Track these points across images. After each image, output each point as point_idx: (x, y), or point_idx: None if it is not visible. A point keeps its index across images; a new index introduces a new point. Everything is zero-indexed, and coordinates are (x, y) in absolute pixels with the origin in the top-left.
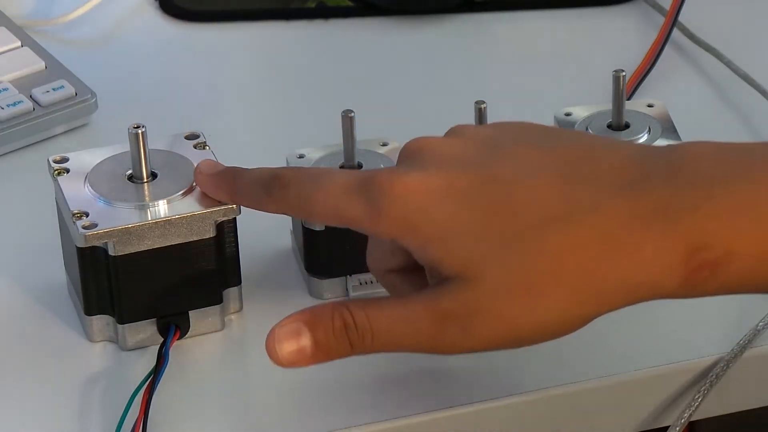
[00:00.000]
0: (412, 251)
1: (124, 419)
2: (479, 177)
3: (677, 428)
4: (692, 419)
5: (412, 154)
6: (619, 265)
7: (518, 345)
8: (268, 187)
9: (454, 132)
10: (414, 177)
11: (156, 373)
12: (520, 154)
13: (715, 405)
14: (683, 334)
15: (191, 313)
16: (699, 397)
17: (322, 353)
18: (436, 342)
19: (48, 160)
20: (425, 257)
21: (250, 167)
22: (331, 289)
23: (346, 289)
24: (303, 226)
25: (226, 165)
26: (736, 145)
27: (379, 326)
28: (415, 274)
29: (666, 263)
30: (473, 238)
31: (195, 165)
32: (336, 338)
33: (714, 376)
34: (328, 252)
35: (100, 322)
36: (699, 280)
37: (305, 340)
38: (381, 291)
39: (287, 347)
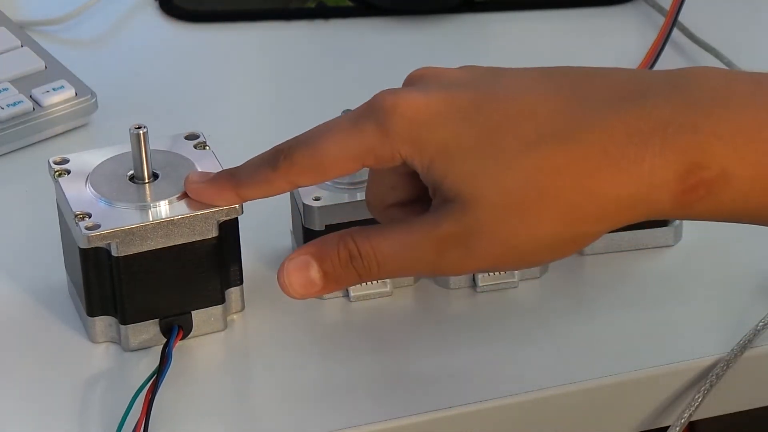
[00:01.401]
0: (418, 170)
1: (125, 419)
2: (479, 95)
3: (677, 428)
4: (692, 419)
5: (415, 80)
6: (616, 181)
7: (519, 264)
8: (273, 162)
9: (459, 67)
10: (416, 95)
11: (159, 374)
12: (520, 75)
13: (715, 405)
14: (683, 334)
15: (194, 314)
16: (699, 397)
17: (331, 283)
18: (439, 264)
19: (48, 161)
20: (429, 176)
21: None
22: None
23: (347, 289)
24: (303, 226)
25: (225, 165)
26: (745, 73)
27: (384, 254)
28: (414, 206)
29: (662, 179)
30: (473, 156)
31: (196, 165)
32: (343, 268)
33: (714, 376)
34: None
35: (103, 323)
36: (693, 199)
37: (314, 272)
38: (381, 290)
39: (297, 279)
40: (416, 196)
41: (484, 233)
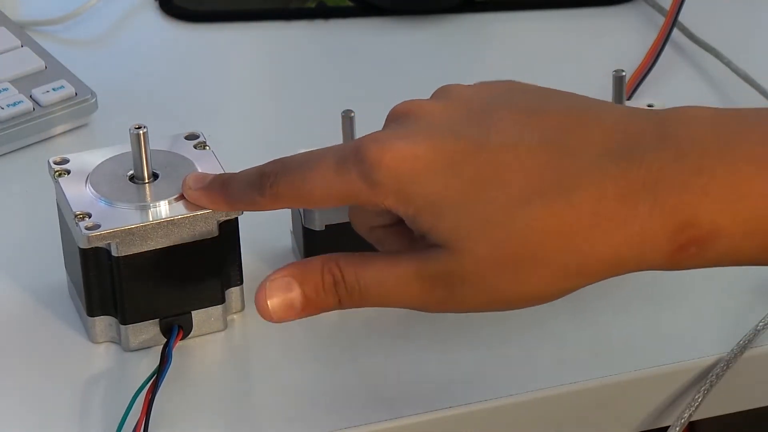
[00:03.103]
0: (404, 219)
1: (125, 419)
2: (466, 145)
3: (677, 428)
4: (692, 419)
5: (398, 118)
6: (606, 241)
7: (504, 309)
8: (259, 188)
9: (441, 93)
10: (402, 146)
11: (159, 374)
12: (506, 118)
13: (715, 405)
14: (683, 334)
15: (194, 314)
16: (699, 397)
17: (310, 307)
18: (424, 301)
19: (48, 161)
20: (416, 226)
21: (247, 168)
22: None
23: None
24: (303, 226)
25: (224, 167)
26: (733, 112)
27: (368, 283)
28: (399, 228)
29: (652, 240)
30: (460, 210)
31: (196, 165)
32: (325, 293)
33: (714, 376)
34: (327, 252)
35: (103, 323)
36: (685, 256)
37: (295, 294)
38: None
39: (277, 301)
40: (400, 220)
41: (470, 282)
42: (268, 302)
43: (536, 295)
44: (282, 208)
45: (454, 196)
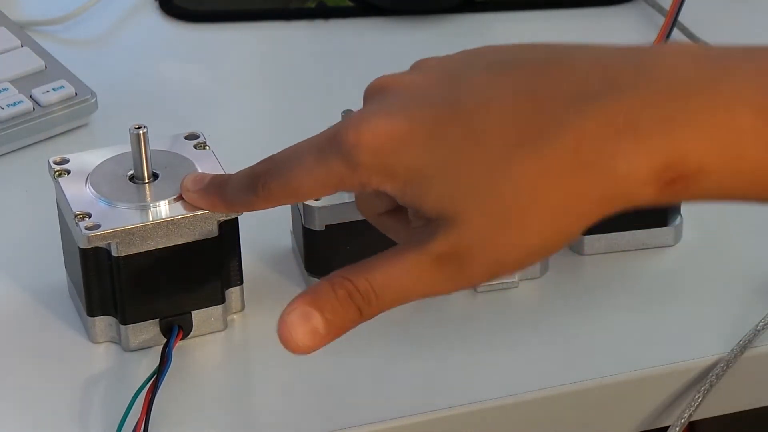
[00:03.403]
0: (395, 197)
1: (125, 419)
2: (441, 111)
3: (677, 428)
4: (692, 419)
5: (374, 94)
6: (592, 182)
7: (515, 270)
8: (252, 189)
9: (416, 65)
10: (377, 122)
11: (159, 374)
12: (477, 81)
13: (715, 405)
14: (683, 334)
15: (194, 314)
16: (699, 397)
17: (334, 328)
18: (436, 285)
19: (48, 161)
20: (406, 201)
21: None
22: None
23: None
24: (303, 226)
25: (224, 167)
26: (717, 49)
27: (380, 284)
28: (403, 214)
29: (638, 177)
30: (445, 177)
31: (196, 165)
32: (344, 309)
33: (714, 376)
34: (327, 252)
35: (103, 323)
36: (673, 192)
37: (316, 321)
38: None
39: (301, 332)
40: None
41: (472, 251)
42: (293, 337)
43: (539, 246)
44: (279, 206)
45: (436, 164)
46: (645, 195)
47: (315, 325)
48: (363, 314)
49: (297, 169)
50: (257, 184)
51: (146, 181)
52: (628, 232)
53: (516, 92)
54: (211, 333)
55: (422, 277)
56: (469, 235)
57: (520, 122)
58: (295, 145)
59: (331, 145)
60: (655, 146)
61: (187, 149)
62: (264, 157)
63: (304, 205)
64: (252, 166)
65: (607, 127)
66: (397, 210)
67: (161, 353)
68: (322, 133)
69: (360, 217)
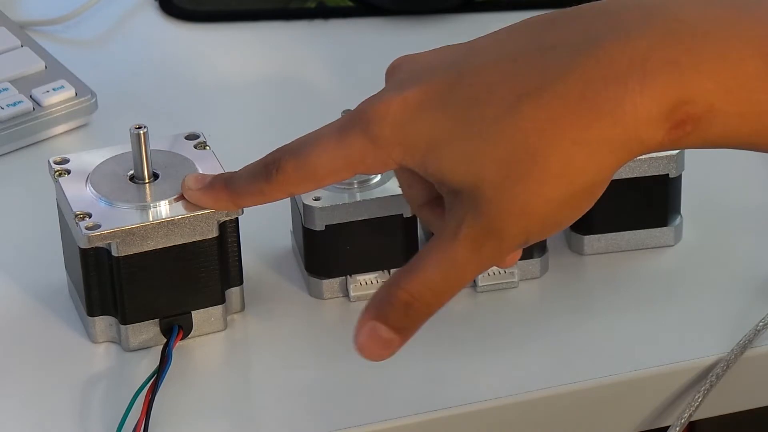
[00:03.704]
0: (416, 170)
1: (125, 419)
2: (449, 77)
3: (677, 428)
4: (692, 419)
5: (391, 74)
6: (600, 125)
7: (550, 229)
8: (265, 175)
9: (434, 49)
10: (393, 96)
11: (159, 374)
12: (483, 44)
13: (715, 405)
14: (683, 334)
15: (194, 314)
16: (699, 397)
17: (405, 331)
18: (480, 263)
19: (48, 161)
20: (428, 172)
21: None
22: (330, 289)
23: (346, 289)
24: (303, 226)
25: (226, 165)
26: None
27: (432, 282)
28: (441, 206)
29: (647, 117)
30: (459, 138)
31: (196, 165)
32: (406, 316)
33: (714, 376)
34: (327, 252)
35: (103, 323)
36: (682, 134)
37: (384, 332)
38: None
39: (375, 347)
40: (436, 192)
41: (503, 213)
42: (367, 353)
43: (562, 199)
44: (290, 195)
45: (449, 127)
46: (655, 138)
47: (385, 337)
48: (427, 313)
49: (316, 149)
50: (271, 169)
51: (146, 181)
52: (628, 232)
53: (521, 48)
54: (211, 333)
55: (466, 261)
56: (491, 196)
57: (525, 73)
58: (313, 131)
59: (351, 123)
60: (663, 86)
61: (187, 149)
62: None
63: (304, 204)
64: (262, 157)
65: (613, 70)
66: (435, 202)
67: (161, 353)
68: (341, 117)
69: (360, 217)
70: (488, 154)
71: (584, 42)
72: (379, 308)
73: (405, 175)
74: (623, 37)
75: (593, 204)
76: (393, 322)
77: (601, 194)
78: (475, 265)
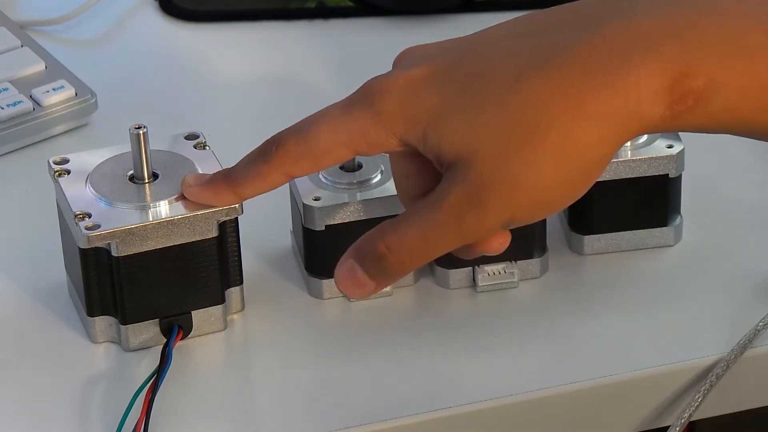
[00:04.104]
0: (416, 145)
1: (125, 419)
2: (455, 56)
3: (677, 428)
4: (692, 419)
5: (399, 60)
6: (602, 98)
7: (539, 209)
8: (265, 155)
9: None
10: (399, 72)
11: (159, 374)
12: (492, 29)
13: (715, 405)
14: (683, 334)
15: (194, 313)
16: (699, 397)
17: (379, 278)
18: (462, 230)
19: (48, 161)
20: (427, 147)
21: None
22: (330, 289)
23: None
24: (303, 226)
25: (225, 165)
26: None
27: (410, 243)
28: None
29: (649, 91)
30: (460, 111)
31: (196, 165)
32: (381, 268)
33: (714, 376)
34: (327, 252)
35: (103, 323)
36: (683, 109)
37: (360, 273)
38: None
39: (348, 284)
40: (432, 184)
41: (491, 184)
42: (341, 287)
43: (557, 176)
44: (289, 177)
45: (452, 100)
46: (656, 114)
47: (360, 277)
48: (399, 270)
49: (316, 126)
50: (270, 148)
51: (146, 181)
52: (628, 232)
53: (529, 29)
54: (211, 333)
55: (448, 225)
56: (485, 166)
57: (530, 48)
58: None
59: (357, 98)
60: (666, 59)
61: (187, 149)
62: None
63: (304, 204)
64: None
65: (618, 44)
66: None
67: (161, 353)
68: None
69: (360, 217)
70: (487, 125)
71: (591, 21)
72: (360, 252)
73: (402, 163)
74: (629, 16)
75: (586, 189)
76: (368, 269)
77: (596, 179)
78: (456, 233)
